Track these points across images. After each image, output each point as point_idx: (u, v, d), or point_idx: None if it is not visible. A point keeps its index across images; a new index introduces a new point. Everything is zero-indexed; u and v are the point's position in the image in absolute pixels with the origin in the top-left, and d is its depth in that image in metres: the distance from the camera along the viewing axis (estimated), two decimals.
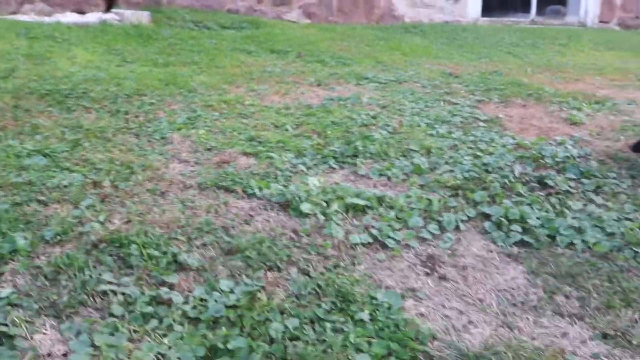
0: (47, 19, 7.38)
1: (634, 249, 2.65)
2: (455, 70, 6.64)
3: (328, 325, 2.03)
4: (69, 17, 7.67)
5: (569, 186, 3.29)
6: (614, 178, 3.43)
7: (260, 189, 3.02)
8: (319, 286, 2.24)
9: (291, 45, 7.58)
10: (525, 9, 13.04)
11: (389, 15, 12.06)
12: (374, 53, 7.55)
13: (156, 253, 2.34)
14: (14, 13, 7.59)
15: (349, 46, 8.05)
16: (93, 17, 7.80)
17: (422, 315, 2.17)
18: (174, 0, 9.84)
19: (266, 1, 10.82)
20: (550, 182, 3.33)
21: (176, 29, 8.02)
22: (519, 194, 3.17)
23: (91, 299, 2.08)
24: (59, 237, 2.41)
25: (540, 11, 12.91)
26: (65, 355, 1.82)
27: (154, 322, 1.98)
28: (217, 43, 7.27)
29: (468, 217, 2.93)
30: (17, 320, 1.92)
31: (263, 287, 2.22)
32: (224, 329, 1.96)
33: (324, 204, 2.89)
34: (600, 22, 12.60)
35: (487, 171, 3.50)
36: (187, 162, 3.35)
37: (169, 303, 2.08)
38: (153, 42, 6.82)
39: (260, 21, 9.22)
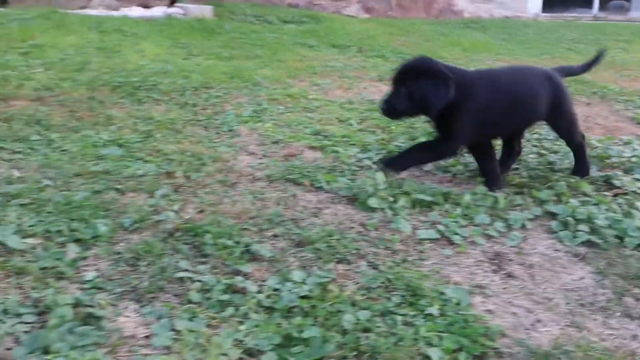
0: (114, 13, 7.58)
1: None
2: None
3: (398, 318, 2.05)
4: (135, 11, 7.86)
5: (637, 187, 3.24)
6: None
7: (328, 182, 3.06)
8: (388, 280, 2.27)
9: (351, 39, 7.60)
10: (588, 4, 12.76)
11: (448, 10, 11.96)
12: (433, 48, 7.51)
13: (229, 243, 2.41)
14: (84, 7, 7.81)
15: (408, 41, 8.03)
16: (158, 11, 7.97)
17: (490, 312, 2.17)
18: None
19: None
20: (617, 182, 3.27)
21: (238, 22, 8.14)
22: (585, 194, 3.13)
23: (170, 285, 2.15)
24: (136, 225, 2.50)
25: (602, 6, 12.62)
26: (147, 337, 1.89)
27: (230, 310, 2.04)
28: (278, 37, 7.35)
29: (534, 215, 2.92)
30: (101, 302, 2.01)
31: (334, 279, 2.26)
32: (297, 318, 2.01)
33: (391, 199, 2.91)
34: None
35: (552, 170, 3.46)
36: (255, 154, 3.42)
37: (243, 292, 2.14)
38: (216, 36, 6.93)
39: (319, 15, 9.26)
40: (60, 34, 5.39)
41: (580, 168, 3.42)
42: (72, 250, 2.28)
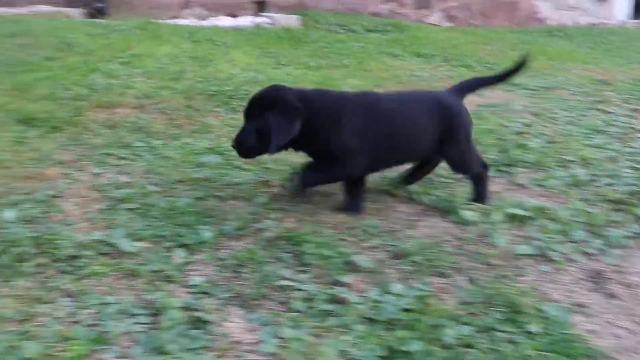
0: (204, 23, 7.79)
1: None
2: (606, 77, 6.37)
3: (500, 335, 2.04)
4: (224, 21, 8.06)
5: None
6: None
7: (422, 194, 3.06)
8: (488, 295, 2.25)
9: (435, 48, 7.56)
10: None
11: (532, 18, 11.72)
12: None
13: (329, 253, 2.44)
14: (175, 17, 8.06)
15: (492, 50, 7.92)
16: (246, 20, 8.14)
17: (591, 332, 2.13)
18: (319, 4, 10.07)
19: (408, 4, 10.83)
20: None
21: (323, 32, 8.21)
22: None
23: (273, 292, 2.20)
24: (238, 232, 2.57)
25: None
26: (254, 343, 1.95)
27: (332, 320, 2.07)
28: (363, 46, 7.38)
29: (633, 233, 2.84)
30: (209, 307, 2.08)
31: (433, 293, 2.26)
32: (400, 331, 2.02)
33: (486, 213, 2.89)
34: None
35: None
36: None
37: (344, 302, 2.17)
38: (303, 45, 7.03)
39: (402, 24, 9.24)
40: (156, 44, 5.59)
41: (477, 197, 3.07)
42: (179, 255, 2.37)
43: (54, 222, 2.56)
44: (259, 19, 8.29)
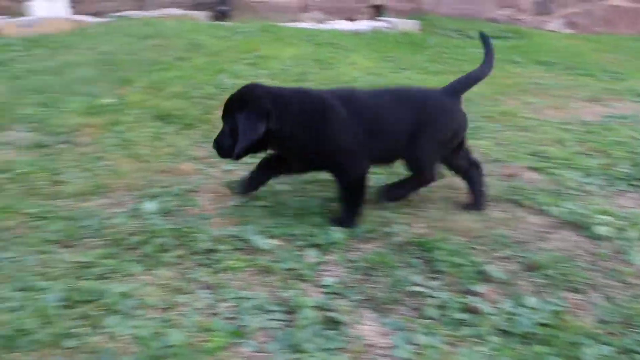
0: (322, 26, 7.87)
1: None
2: None
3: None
4: (342, 25, 8.11)
5: None
6: None
7: (552, 206, 2.95)
8: (626, 315, 2.14)
9: (557, 56, 7.29)
10: None
11: None
12: None
13: (459, 261, 2.40)
14: (294, 21, 8.20)
15: (617, 59, 7.55)
16: (364, 24, 8.16)
17: None
18: (436, 9, 9.96)
19: (527, 10, 10.52)
20: None
21: (440, 37, 8.11)
22: None
23: (405, 297, 2.18)
24: (368, 235, 2.57)
25: None
26: (387, 348, 1.94)
27: (466, 329, 2.03)
28: (481, 52, 7.21)
29: None
30: (342, 308, 2.08)
31: (568, 309, 2.17)
32: (536, 345, 1.96)
33: (621, 229, 2.75)
34: None
35: None
36: None
37: (477, 312, 2.12)
38: (422, 50, 6.97)
39: (522, 31, 8.99)
40: (279, 46, 5.70)
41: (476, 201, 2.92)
42: (311, 255, 2.39)
43: (190, 216, 2.65)
44: (377, 23, 8.29)
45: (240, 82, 4.49)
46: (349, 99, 2.69)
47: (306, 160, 2.71)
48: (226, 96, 2.68)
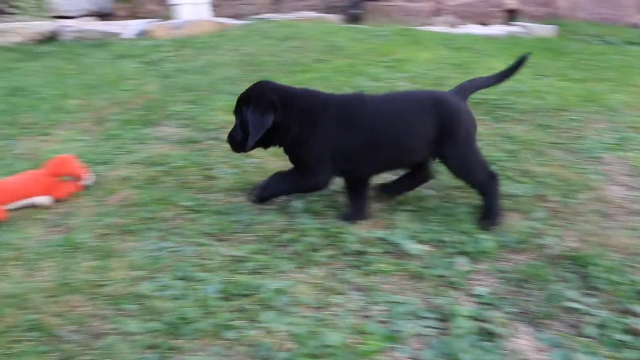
0: (454, 30, 7.75)
1: None
2: None
3: None
4: (475, 29, 7.95)
5: None
6: None
7: None
8: None
9: None
10: None
11: None
12: None
13: (617, 278, 2.28)
14: (426, 24, 8.12)
15: None
16: (499, 29, 7.97)
17: None
18: (573, 14, 9.60)
19: None
20: None
21: (580, 43, 7.77)
22: None
23: (561, 313, 2.09)
24: (519, 246, 2.49)
25: None
26: None
27: (628, 352, 1.92)
28: (624, 59, 6.84)
29: None
30: (497, 320, 2.02)
31: None
32: None
33: None
34: None
35: None
36: (625, 185, 3.19)
37: (638, 334, 2.00)
38: (561, 56, 6.69)
39: None
40: (416, 50, 5.65)
41: (487, 214, 2.68)
42: (461, 262, 2.35)
43: (337, 216, 2.67)
44: (511, 28, 8.07)
45: (379, 85, 4.53)
46: (352, 105, 2.69)
47: (290, 155, 2.74)
48: None
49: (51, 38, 6.83)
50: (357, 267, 2.31)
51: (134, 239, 2.54)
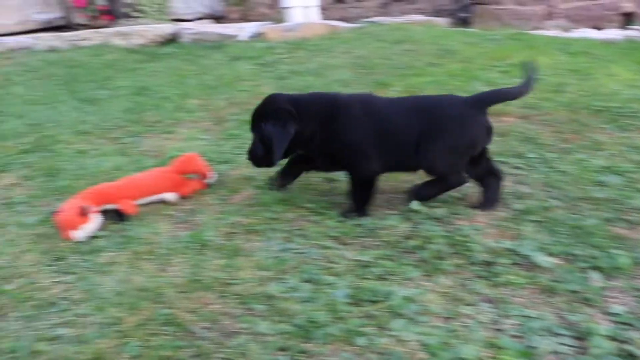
0: (568, 34, 7.47)
1: None
2: None
3: None
4: (590, 33, 7.62)
5: None
6: None
7: None
8: None
9: None
10: None
11: None
12: None
13: None
14: (537, 28, 7.87)
15: None
16: (615, 33, 7.60)
17: None
18: None
19: None
20: None
21: None
22: None
23: None
24: None
25: None
26: None
27: None
28: None
29: None
30: (637, 342, 1.92)
31: None
32: None
33: None
34: None
35: None
36: None
37: None
38: None
39: None
40: (531, 55, 5.46)
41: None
42: (595, 278, 2.25)
43: (460, 224, 2.62)
44: (629, 32, 7.68)
45: None
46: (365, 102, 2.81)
47: (325, 157, 2.81)
48: None
49: (172, 40, 7.09)
50: (486, 277, 2.26)
51: (259, 239, 2.59)
